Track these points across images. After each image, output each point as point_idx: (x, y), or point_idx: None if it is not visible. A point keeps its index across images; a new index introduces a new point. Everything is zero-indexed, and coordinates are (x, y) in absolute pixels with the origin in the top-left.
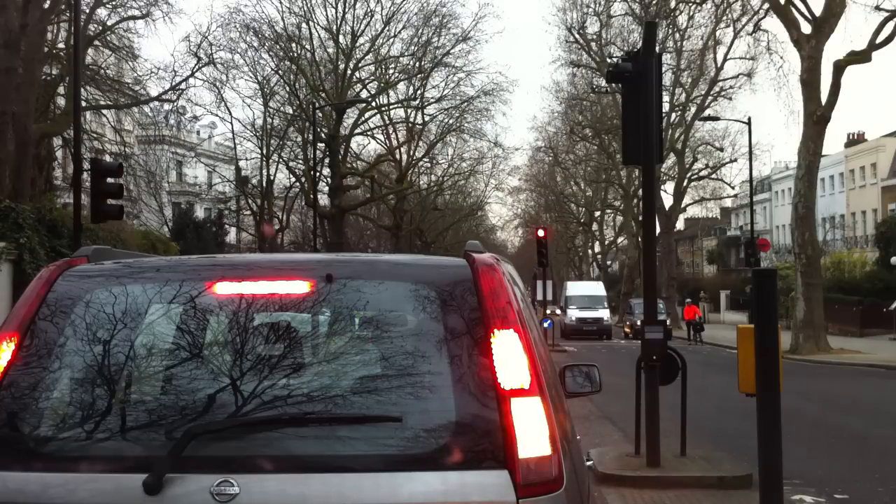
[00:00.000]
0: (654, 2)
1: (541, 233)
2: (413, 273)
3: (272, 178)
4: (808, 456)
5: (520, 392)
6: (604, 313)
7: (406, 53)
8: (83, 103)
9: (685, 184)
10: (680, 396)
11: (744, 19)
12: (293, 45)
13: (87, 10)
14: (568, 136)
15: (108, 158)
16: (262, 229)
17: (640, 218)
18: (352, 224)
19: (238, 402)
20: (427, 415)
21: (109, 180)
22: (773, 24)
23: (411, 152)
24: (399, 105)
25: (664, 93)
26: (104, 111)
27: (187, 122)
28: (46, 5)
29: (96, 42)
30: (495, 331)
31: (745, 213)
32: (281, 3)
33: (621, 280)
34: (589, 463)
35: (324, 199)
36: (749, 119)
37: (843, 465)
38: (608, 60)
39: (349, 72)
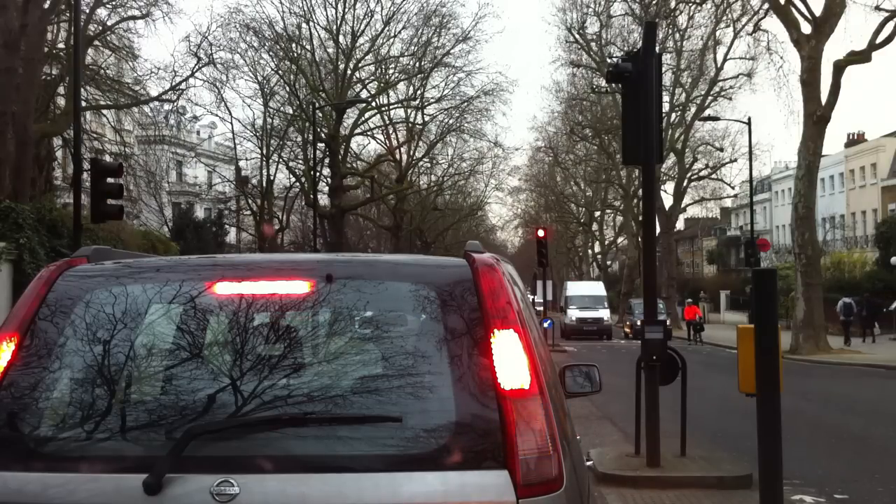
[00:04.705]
0: (654, 2)
1: (541, 233)
2: (413, 273)
3: (272, 178)
4: (808, 456)
5: (520, 392)
6: (604, 313)
7: (406, 53)
8: (83, 103)
9: (685, 184)
10: (680, 396)
11: (744, 19)
12: (293, 45)
13: (87, 10)
14: (568, 136)
15: (108, 158)
16: (262, 229)
17: (640, 218)
18: (352, 224)
19: (238, 402)
20: (427, 415)
21: (109, 180)
22: (773, 24)
23: (411, 152)
24: (399, 105)
25: (664, 93)
26: (104, 111)
27: (187, 122)
28: (46, 5)
29: (96, 42)
30: (495, 331)
31: (745, 213)
32: (281, 3)
33: (621, 280)
34: (589, 463)
35: (324, 199)
36: (749, 119)
37: (843, 465)
38: (608, 60)
39: (349, 72)
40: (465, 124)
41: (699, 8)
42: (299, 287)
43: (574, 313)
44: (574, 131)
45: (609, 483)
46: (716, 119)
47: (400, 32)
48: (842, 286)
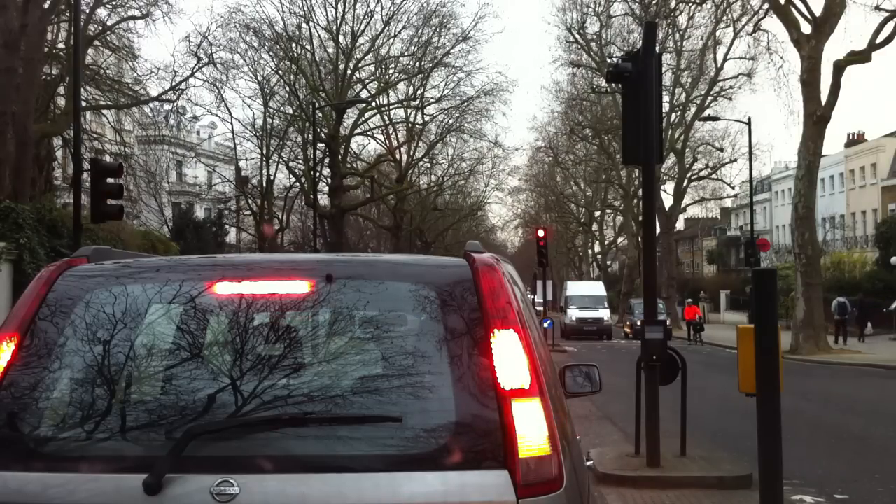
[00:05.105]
0: (654, 2)
1: (541, 233)
2: (413, 273)
3: (272, 178)
4: (808, 456)
5: (520, 392)
6: (604, 313)
7: (406, 53)
8: (83, 103)
9: (685, 184)
10: (680, 396)
11: (744, 19)
12: (293, 45)
13: (87, 10)
14: (568, 136)
15: (108, 158)
16: (262, 229)
17: (640, 218)
18: (352, 224)
19: (238, 402)
20: (427, 415)
21: (109, 180)
22: (773, 24)
23: (411, 152)
24: (399, 105)
25: (664, 93)
26: (104, 111)
27: (187, 122)
28: (46, 5)
29: (96, 42)
30: (495, 331)
31: (745, 213)
32: (281, 3)
33: (621, 280)
34: (589, 463)
35: (324, 199)
36: (749, 119)
37: (843, 465)
38: (608, 60)
39: (349, 72)
40: (465, 124)
41: (699, 8)
42: (299, 287)
43: (574, 313)
44: (574, 131)
45: (609, 483)
46: (716, 119)
47: (400, 32)
48: (842, 286)
